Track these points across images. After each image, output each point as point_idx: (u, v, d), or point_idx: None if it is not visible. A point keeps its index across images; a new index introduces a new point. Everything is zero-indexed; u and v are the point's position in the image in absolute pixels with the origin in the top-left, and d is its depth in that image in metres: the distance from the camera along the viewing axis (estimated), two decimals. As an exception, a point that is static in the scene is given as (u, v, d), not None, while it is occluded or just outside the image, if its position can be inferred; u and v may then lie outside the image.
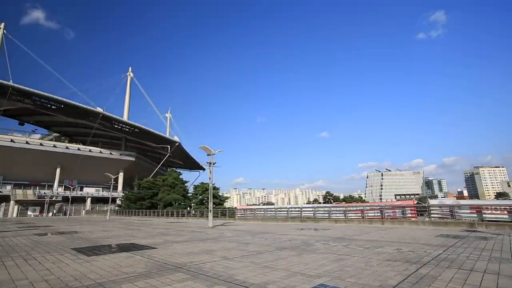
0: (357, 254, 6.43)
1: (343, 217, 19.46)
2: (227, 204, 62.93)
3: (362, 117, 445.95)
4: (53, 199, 64.97)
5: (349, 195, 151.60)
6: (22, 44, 64.31)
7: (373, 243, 8.38)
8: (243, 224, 20.22)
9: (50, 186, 67.77)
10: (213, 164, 18.85)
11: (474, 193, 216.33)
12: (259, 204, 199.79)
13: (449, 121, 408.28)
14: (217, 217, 28.94)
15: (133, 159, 75.89)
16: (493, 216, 14.83)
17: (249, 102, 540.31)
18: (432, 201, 38.91)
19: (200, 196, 49.69)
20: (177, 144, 74.87)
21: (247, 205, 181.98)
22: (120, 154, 74.58)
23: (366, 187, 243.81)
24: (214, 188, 45.50)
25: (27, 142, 61.65)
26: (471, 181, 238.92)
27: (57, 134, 79.94)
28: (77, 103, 57.86)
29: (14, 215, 59.26)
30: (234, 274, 4.57)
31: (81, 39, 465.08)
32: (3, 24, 61.53)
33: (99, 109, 60.28)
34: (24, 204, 62.00)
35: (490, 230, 12.24)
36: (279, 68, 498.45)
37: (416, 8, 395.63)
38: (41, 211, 62.60)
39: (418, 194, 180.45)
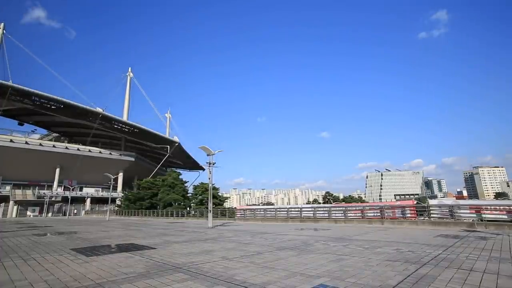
0: (357, 254, 6.43)
1: (343, 217, 19.46)
2: (226, 204, 62.90)
3: (362, 117, 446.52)
4: (53, 199, 64.86)
5: (349, 195, 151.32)
6: (23, 43, 64.66)
7: (372, 243, 8.38)
8: (243, 224, 20.22)
9: (50, 186, 67.65)
10: (213, 164, 18.85)
11: (473, 193, 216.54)
12: (258, 204, 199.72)
13: (449, 121, 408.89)
14: (217, 217, 28.94)
15: (133, 159, 75.82)
16: (493, 216, 14.83)
17: (249, 102, 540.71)
18: (432, 201, 38.87)
19: (200, 196, 49.66)
20: (177, 144, 74.84)
21: (247, 205, 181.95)
22: (120, 154, 74.50)
23: (366, 187, 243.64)
24: (214, 188, 45.45)
25: (26, 142, 61.51)
26: (470, 181, 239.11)
27: (57, 134, 79.76)
28: (76, 103, 57.75)
29: (14, 215, 59.20)
30: (234, 274, 4.57)
31: (81, 38, 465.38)
32: (2, 24, 61.50)
33: (98, 109, 60.22)
34: (23, 205, 61.91)
35: (490, 230, 12.25)
36: (279, 68, 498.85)
37: (417, 8, 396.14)
38: (41, 212, 62.52)
39: (417, 194, 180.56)
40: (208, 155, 18.69)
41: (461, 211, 15.51)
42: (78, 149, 68.12)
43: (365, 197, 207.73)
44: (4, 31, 61.55)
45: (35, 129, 73.19)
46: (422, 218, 16.95)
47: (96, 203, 71.18)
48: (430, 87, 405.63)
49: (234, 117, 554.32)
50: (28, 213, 61.69)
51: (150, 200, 52.04)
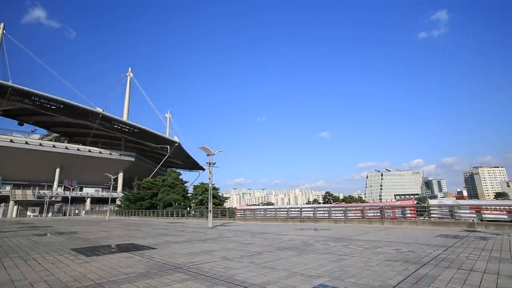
0: (357, 254, 6.43)
1: (343, 217, 19.46)
2: (226, 204, 62.94)
3: (362, 117, 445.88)
4: (53, 199, 64.84)
5: (349, 195, 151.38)
6: (23, 43, 64.68)
7: (372, 243, 8.38)
8: (243, 225, 20.22)
9: (50, 187, 67.64)
10: (213, 164, 18.86)
11: (473, 193, 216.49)
12: (258, 204, 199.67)
13: (449, 121, 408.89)
14: (217, 217, 28.94)
15: (133, 159, 75.83)
16: (493, 216, 14.84)
17: (249, 102, 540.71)
18: (432, 201, 38.92)
19: (200, 196, 49.67)
20: (177, 144, 74.86)
21: (247, 205, 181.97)
22: (120, 155, 74.51)
23: (366, 187, 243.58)
24: (214, 188, 45.46)
25: (26, 143, 61.52)
26: (470, 181, 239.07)
27: (57, 134, 79.76)
28: (76, 103, 57.77)
29: (14, 215, 59.18)
30: (234, 274, 4.57)
31: (81, 38, 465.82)
32: (2, 24, 61.51)
33: (98, 109, 60.24)
34: (23, 205, 61.90)
35: (490, 230, 12.25)
36: (279, 68, 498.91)
37: (417, 8, 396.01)
38: (41, 212, 62.51)
39: (417, 194, 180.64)
40: (208, 155, 18.69)
41: (461, 211, 15.51)
42: (78, 149, 68.12)
43: (365, 197, 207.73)
44: (4, 31, 61.56)
45: (35, 129, 73.29)
46: (422, 218, 16.96)
47: (96, 203, 71.18)
48: (430, 87, 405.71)
49: (234, 117, 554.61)
50: (28, 213, 61.67)
51: (150, 200, 52.04)
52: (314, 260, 5.78)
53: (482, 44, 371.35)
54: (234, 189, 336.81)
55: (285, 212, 23.75)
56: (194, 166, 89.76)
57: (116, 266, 5.36)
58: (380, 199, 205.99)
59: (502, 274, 4.31)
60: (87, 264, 5.69)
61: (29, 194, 63.84)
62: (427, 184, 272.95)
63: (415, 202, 32.50)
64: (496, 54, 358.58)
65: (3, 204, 60.06)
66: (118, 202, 65.11)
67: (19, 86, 51.10)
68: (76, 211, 67.84)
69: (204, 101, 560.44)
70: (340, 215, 20.36)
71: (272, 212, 25.48)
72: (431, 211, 16.81)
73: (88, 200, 71.42)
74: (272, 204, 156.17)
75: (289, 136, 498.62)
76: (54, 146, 65.52)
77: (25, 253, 7.29)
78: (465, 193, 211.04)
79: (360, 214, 19.82)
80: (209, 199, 19.26)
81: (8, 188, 62.85)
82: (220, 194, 54.40)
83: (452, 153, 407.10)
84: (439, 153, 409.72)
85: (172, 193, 49.96)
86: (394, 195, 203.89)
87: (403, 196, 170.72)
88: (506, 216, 14.28)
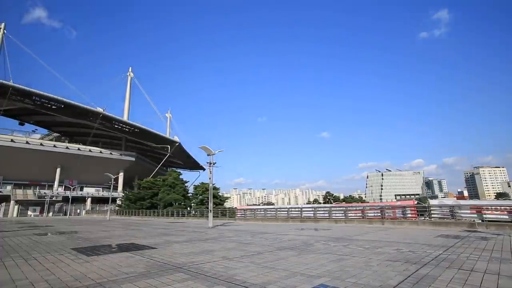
0: (357, 254, 6.43)
1: (343, 217, 19.45)
2: (227, 204, 62.92)
3: (362, 117, 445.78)
4: (53, 199, 64.95)
5: (349, 195, 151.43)
6: (24, 43, 64.82)
7: (373, 243, 8.37)
8: (243, 224, 20.23)
9: (50, 186, 67.75)
10: (213, 164, 18.86)
11: (474, 193, 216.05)
12: (259, 204, 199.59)
13: (449, 121, 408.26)
14: (217, 217, 28.94)
15: (133, 159, 75.90)
16: (493, 216, 14.80)
17: (249, 102, 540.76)
18: (432, 201, 38.85)
19: (200, 196, 49.66)
20: (177, 144, 74.91)
21: (247, 205, 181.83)
22: (120, 154, 74.59)
23: (366, 187, 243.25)
24: (214, 188, 45.43)
25: (27, 142, 61.62)
26: (471, 181, 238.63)
27: (57, 134, 79.91)
28: (77, 103, 57.84)
29: (14, 215, 59.26)
30: (234, 274, 4.57)
31: (81, 38, 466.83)
32: (3, 24, 61.56)
33: (99, 109, 60.30)
34: (24, 204, 62.01)
35: (490, 230, 12.24)
36: (280, 68, 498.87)
37: (418, 7, 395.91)
38: (41, 211, 62.61)
39: (418, 194, 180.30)
40: (208, 155, 18.70)
41: (462, 211, 15.47)
42: (78, 149, 68.21)
43: (365, 197, 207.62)
44: (5, 31, 61.62)
45: (36, 129, 73.50)
46: (423, 218, 16.93)
47: (97, 203, 71.26)
48: (431, 87, 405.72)
49: (234, 116, 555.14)
50: (29, 212, 61.78)
51: (151, 200, 52.07)
52: (315, 260, 5.78)
53: (482, 44, 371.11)
54: (234, 189, 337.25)
55: (286, 212, 23.74)
56: (194, 166, 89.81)
57: (116, 266, 5.36)
58: (381, 199, 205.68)
59: (502, 275, 4.30)
60: (87, 263, 5.69)
61: (30, 194, 63.95)
62: (428, 184, 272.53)
63: (416, 202, 32.42)
64: (496, 54, 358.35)
65: (4, 204, 60.13)
66: (118, 202, 65.18)
67: (20, 86, 51.18)
68: (77, 211, 67.94)
69: (204, 97, 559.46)
70: (341, 215, 20.34)
71: (273, 212, 25.46)
72: (432, 211, 16.79)
73: (89, 200, 71.51)
74: (273, 204, 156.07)
75: (289, 136, 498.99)
76: (54, 146, 65.62)
77: (26, 253, 7.30)
78: (465, 193, 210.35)
79: (360, 214, 19.79)
80: (209, 198, 19.26)
81: (9, 187, 63.00)
82: (220, 194, 54.36)
83: (453, 153, 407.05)
84: (440, 153, 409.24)
85: (173, 193, 49.97)
86: (395, 195, 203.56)
87: (404, 196, 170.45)
88: (507, 217, 14.24)
